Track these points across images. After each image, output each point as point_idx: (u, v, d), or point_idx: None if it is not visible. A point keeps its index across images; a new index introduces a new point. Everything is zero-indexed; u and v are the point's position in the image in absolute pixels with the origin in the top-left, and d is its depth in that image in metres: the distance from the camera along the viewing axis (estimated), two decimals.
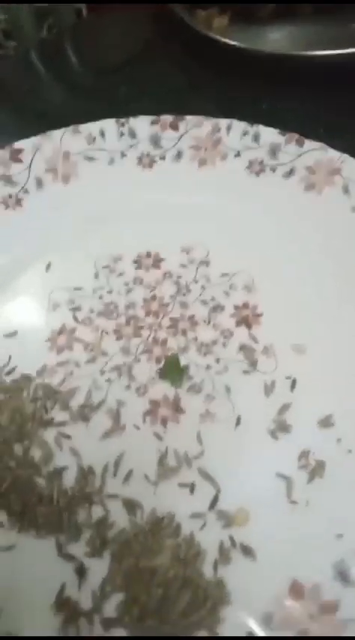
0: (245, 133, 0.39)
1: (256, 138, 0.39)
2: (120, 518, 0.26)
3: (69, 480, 0.27)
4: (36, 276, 0.36)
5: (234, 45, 0.48)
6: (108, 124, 0.41)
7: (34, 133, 0.41)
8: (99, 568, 0.24)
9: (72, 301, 0.35)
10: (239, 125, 0.40)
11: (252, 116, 0.40)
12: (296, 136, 0.38)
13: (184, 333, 0.32)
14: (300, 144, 0.38)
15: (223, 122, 0.40)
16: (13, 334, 0.33)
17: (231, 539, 0.25)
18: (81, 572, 0.24)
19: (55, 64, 0.56)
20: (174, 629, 0.22)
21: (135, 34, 0.59)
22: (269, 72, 0.46)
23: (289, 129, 0.39)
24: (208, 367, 0.31)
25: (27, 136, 0.41)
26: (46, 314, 0.34)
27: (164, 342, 0.32)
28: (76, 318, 0.34)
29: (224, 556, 0.24)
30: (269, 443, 0.28)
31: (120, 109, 0.42)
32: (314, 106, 0.44)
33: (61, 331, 0.33)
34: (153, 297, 0.34)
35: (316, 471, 0.27)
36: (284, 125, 0.39)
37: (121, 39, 0.59)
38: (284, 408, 0.29)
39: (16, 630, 0.22)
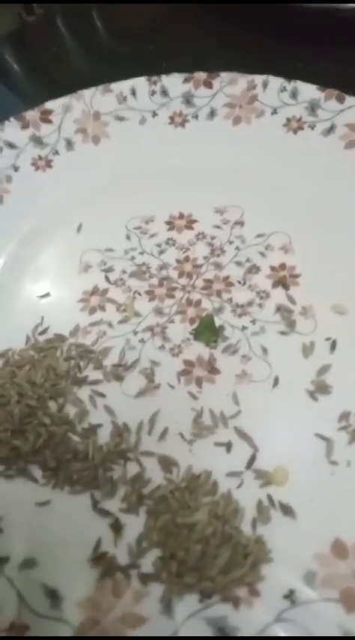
0: (282, 89, 0.38)
1: (294, 94, 0.38)
2: (156, 475, 0.25)
3: (104, 437, 0.27)
4: (67, 237, 0.35)
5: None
6: (140, 82, 0.40)
7: (64, 95, 0.40)
8: (135, 524, 0.24)
9: (104, 262, 0.34)
10: (276, 81, 0.38)
11: (288, 74, 0.39)
12: (335, 92, 0.37)
13: (219, 294, 0.32)
14: (340, 100, 0.36)
15: (259, 78, 0.39)
16: (45, 295, 0.33)
17: (270, 498, 0.24)
18: (117, 527, 0.24)
19: (80, 28, 0.55)
20: (214, 585, 0.21)
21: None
22: (304, 28, 0.44)
23: (327, 86, 0.37)
24: (244, 328, 0.30)
25: (56, 97, 0.40)
26: (78, 275, 0.34)
27: (198, 303, 0.31)
28: (108, 279, 0.33)
29: (263, 514, 0.24)
30: (308, 404, 0.27)
31: (150, 69, 0.41)
32: (352, 62, 0.42)
33: (93, 292, 0.33)
34: (187, 259, 0.33)
35: None
36: (321, 82, 0.38)
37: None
38: (324, 369, 0.28)
39: (52, 582, 0.22)
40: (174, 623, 0.21)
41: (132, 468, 0.26)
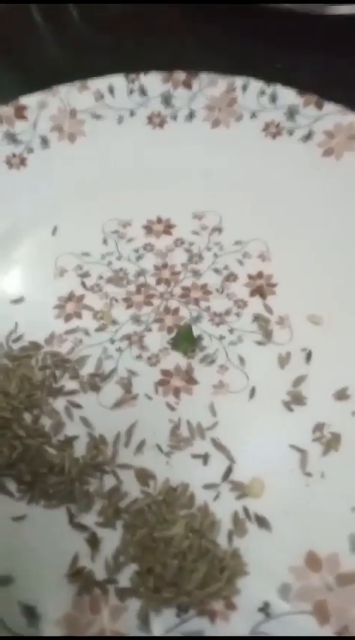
0: (262, 93, 0.38)
1: (273, 98, 0.37)
2: (132, 488, 0.25)
3: (80, 449, 0.27)
4: (42, 240, 0.35)
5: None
6: (118, 80, 0.39)
7: (39, 90, 0.39)
8: (112, 538, 0.24)
9: (80, 267, 0.33)
10: (256, 84, 0.38)
11: (266, 76, 0.38)
12: (315, 97, 0.37)
13: (197, 302, 0.32)
14: (319, 106, 0.37)
15: (239, 81, 0.38)
16: (19, 300, 0.32)
17: (246, 510, 0.25)
18: (93, 542, 0.24)
19: (55, 17, 0.53)
20: (191, 599, 0.22)
21: None
22: (284, 29, 0.44)
23: (306, 90, 0.37)
24: (221, 337, 0.30)
25: (31, 92, 0.38)
26: (53, 280, 0.33)
27: (176, 311, 0.31)
28: (84, 285, 0.33)
29: (239, 527, 0.24)
30: (283, 415, 0.27)
31: (127, 65, 0.40)
32: (332, 67, 0.42)
33: (68, 298, 0.32)
34: (165, 265, 0.33)
35: (331, 443, 0.26)
36: (300, 86, 0.37)
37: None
38: (300, 379, 0.28)
39: (30, 599, 0.22)
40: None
41: (109, 481, 0.26)
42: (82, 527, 0.24)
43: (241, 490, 0.25)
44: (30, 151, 0.38)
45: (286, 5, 0.43)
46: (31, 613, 0.22)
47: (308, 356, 0.29)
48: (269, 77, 0.38)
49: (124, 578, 0.23)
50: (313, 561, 0.23)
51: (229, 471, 0.26)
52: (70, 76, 0.39)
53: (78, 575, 0.23)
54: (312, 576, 0.22)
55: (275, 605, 0.22)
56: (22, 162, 0.38)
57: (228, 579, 0.22)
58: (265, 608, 0.22)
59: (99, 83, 0.39)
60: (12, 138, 0.38)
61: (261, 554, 0.23)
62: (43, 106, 0.38)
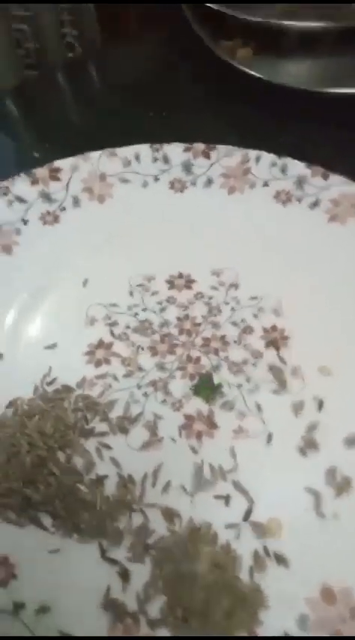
0: (273, 164, 0.42)
1: (283, 169, 0.42)
2: (159, 526, 0.27)
3: (110, 487, 0.29)
4: (74, 291, 0.38)
5: (257, 77, 0.50)
6: (143, 149, 0.43)
7: (64, 153, 0.43)
8: (141, 572, 0.26)
9: (108, 317, 0.36)
10: (267, 157, 0.42)
11: (275, 147, 0.43)
12: (321, 169, 0.41)
13: (216, 352, 0.34)
14: (325, 177, 0.41)
15: (252, 153, 0.42)
16: (52, 346, 0.35)
17: (265, 548, 0.27)
18: (124, 575, 0.26)
19: (80, 85, 0.59)
20: (217, 629, 0.23)
21: (158, 59, 0.62)
22: (292, 105, 0.49)
23: (313, 161, 0.42)
24: (239, 385, 0.33)
25: (60, 155, 0.43)
26: (84, 328, 0.36)
27: (197, 360, 0.34)
28: (112, 333, 0.35)
29: (259, 564, 0.26)
30: (298, 459, 0.30)
31: (150, 133, 0.45)
32: (338, 141, 0.47)
33: (98, 345, 0.35)
34: (186, 317, 0.36)
35: (343, 486, 0.28)
36: (306, 157, 0.42)
37: (144, 63, 0.61)
38: (312, 426, 0.31)
39: (66, 627, 0.24)
40: None
41: (137, 519, 0.28)
42: (113, 562, 0.26)
43: (261, 530, 0.27)
44: (63, 209, 0.42)
45: (293, 83, 0.49)
46: None
47: (320, 404, 0.32)
48: (280, 149, 0.43)
49: (154, 609, 0.25)
50: (328, 594, 0.25)
51: (249, 511, 0.28)
52: (95, 140, 0.44)
53: (111, 606, 0.25)
54: (328, 608, 0.24)
55: (295, 634, 0.24)
56: (56, 219, 0.41)
57: (251, 612, 0.24)
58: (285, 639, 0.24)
59: (126, 151, 0.43)
60: (46, 197, 0.41)
61: (279, 588, 0.25)
62: (76, 169, 0.42)
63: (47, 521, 0.28)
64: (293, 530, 0.27)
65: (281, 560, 0.26)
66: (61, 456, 0.30)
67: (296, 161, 0.42)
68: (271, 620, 0.24)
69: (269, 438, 0.30)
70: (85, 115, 0.56)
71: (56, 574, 0.26)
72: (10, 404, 0.32)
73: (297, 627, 0.24)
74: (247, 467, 0.29)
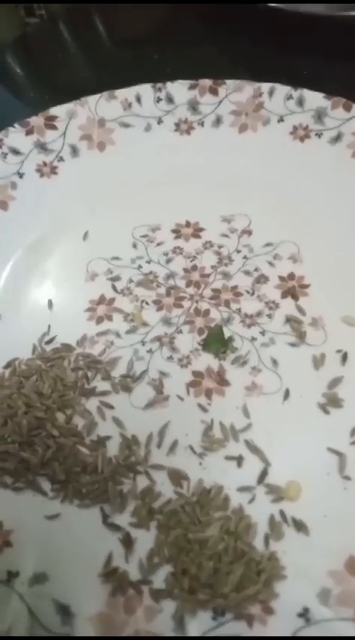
0: (288, 97, 0.38)
1: (300, 102, 0.38)
2: (166, 489, 0.25)
3: (113, 449, 0.27)
4: (73, 245, 0.35)
5: (269, 6, 0.45)
6: (145, 89, 0.40)
7: (68, 101, 0.39)
8: (146, 539, 0.24)
9: (110, 271, 0.34)
10: (282, 89, 0.38)
11: (290, 80, 0.38)
12: (342, 100, 0.37)
13: (227, 304, 0.31)
14: (347, 108, 0.36)
15: (265, 86, 0.38)
16: (51, 304, 0.33)
17: (282, 513, 0.24)
18: (127, 542, 0.24)
19: (83, 34, 0.55)
20: (228, 602, 0.21)
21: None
22: (307, 35, 0.44)
23: (331, 92, 0.37)
24: (253, 339, 0.30)
25: (60, 104, 0.39)
26: (85, 283, 0.33)
27: (206, 312, 0.31)
28: (114, 288, 0.33)
29: (275, 530, 0.23)
30: (319, 417, 0.27)
31: (154, 76, 0.41)
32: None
33: (100, 301, 0.32)
34: (194, 268, 0.33)
35: None
36: (326, 91, 0.37)
37: (147, 8, 0.56)
38: (335, 381, 0.28)
39: (63, 598, 0.22)
40: None
41: (142, 482, 0.25)
42: (115, 527, 0.24)
43: (277, 493, 0.25)
44: (60, 159, 0.39)
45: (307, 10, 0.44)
46: (65, 611, 0.22)
47: (344, 357, 0.28)
48: (296, 81, 0.38)
49: (159, 579, 0.23)
50: (353, 566, 0.22)
51: (264, 473, 0.25)
52: (97, 88, 0.40)
53: (112, 575, 0.23)
54: (353, 581, 0.22)
55: (315, 610, 0.21)
56: (53, 170, 0.38)
57: (265, 582, 0.22)
58: (305, 614, 0.21)
59: (126, 93, 0.40)
60: (42, 147, 0.39)
61: (298, 558, 0.23)
62: (73, 115, 0.39)
63: (46, 485, 0.26)
64: (314, 495, 0.24)
65: (300, 526, 0.24)
66: (60, 417, 0.28)
67: (314, 92, 0.37)
68: (288, 594, 0.22)
69: (287, 394, 0.28)
70: (87, 63, 0.52)
71: (54, 541, 0.24)
72: (8, 364, 0.30)
73: (318, 602, 0.21)
74: (262, 426, 0.27)
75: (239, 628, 0.21)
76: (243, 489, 0.25)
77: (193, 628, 0.21)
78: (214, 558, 0.22)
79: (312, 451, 0.26)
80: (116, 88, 0.40)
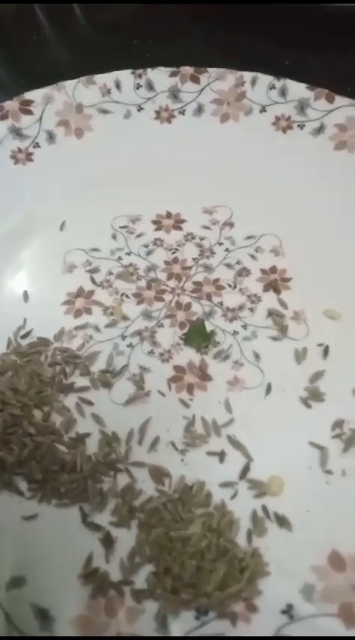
0: (271, 87, 0.37)
1: (283, 92, 0.37)
2: (147, 487, 0.25)
3: (92, 446, 0.26)
4: (50, 236, 0.34)
5: None
6: (124, 75, 0.38)
7: (44, 86, 0.38)
8: (127, 538, 0.23)
9: (89, 263, 0.33)
10: (264, 78, 0.37)
11: (273, 70, 0.38)
12: (325, 91, 0.36)
13: (209, 297, 0.31)
14: (330, 100, 0.36)
15: (248, 75, 0.38)
16: (27, 296, 0.31)
17: (265, 509, 0.24)
18: (108, 542, 0.23)
19: (60, 18, 0.53)
20: (211, 601, 0.21)
21: None
22: (291, 24, 0.43)
23: (316, 85, 0.37)
24: (235, 333, 0.29)
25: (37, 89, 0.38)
26: (62, 275, 0.32)
27: (188, 306, 0.31)
28: (93, 281, 0.32)
29: (258, 526, 0.23)
30: (301, 411, 0.27)
31: (134, 63, 0.39)
32: (343, 61, 0.42)
33: (78, 294, 0.31)
34: (175, 260, 0.33)
35: (352, 440, 0.25)
36: (310, 81, 0.37)
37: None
38: (317, 375, 0.28)
39: (42, 601, 0.21)
40: None
41: (123, 480, 0.25)
42: (95, 527, 0.24)
43: (260, 488, 0.24)
44: (36, 145, 0.37)
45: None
46: (43, 615, 0.21)
47: (326, 351, 0.28)
48: (279, 71, 0.38)
49: (140, 580, 0.22)
50: (337, 561, 0.22)
51: (246, 469, 0.25)
52: (76, 73, 0.39)
53: (92, 577, 0.22)
54: (336, 576, 0.22)
55: (299, 606, 0.21)
56: (29, 157, 0.37)
57: (248, 580, 0.21)
58: (288, 610, 0.21)
59: (105, 78, 0.38)
60: (17, 132, 0.37)
61: (282, 554, 0.22)
62: (49, 100, 0.38)
63: (22, 485, 0.25)
64: (296, 489, 0.24)
65: (283, 522, 0.23)
66: (37, 414, 0.27)
67: (297, 82, 0.37)
68: (272, 590, 0.21)
69: (269, 388, 0.27)
70: (64, 48, 0.50)
71: (32, 543, 0.23)
72: None
73: (302, 598, 0.21)
74: (244, 421, 0.26)
75: (222, 627, 0.21)
76: (225, 485, 0.25)
77: (176, 628, 0.21)
78: (197, 556, 0.22)
79: (294, 445, 0.26)
80: (95, 74, 0.38)
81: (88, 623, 0.21)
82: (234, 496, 0.24)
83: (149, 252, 0.33)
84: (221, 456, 0.25)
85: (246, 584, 0.21)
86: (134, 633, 0.21)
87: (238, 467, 0.25)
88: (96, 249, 0.33)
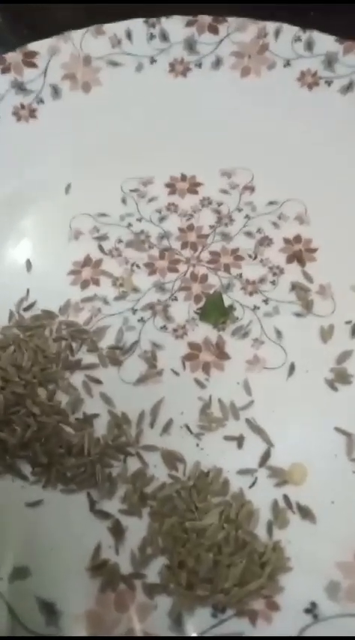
0: (296, 39, 0.34)
1: (309, 45, 0.34)
2: (159, 473, 0.23)
3: (100, 428, 0.24)
4: (54, 199, 0.32)
5: None
6: (136, 24, 0.36)
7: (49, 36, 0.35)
8: (138, 528, 0.22)
9: (96, 229, 0.31)
10: (289, 29, 0.35)
11: (298, 20, 0.35)
12: None
13: (227, 268, 0.29)
14: None
15: (271, 26, 0.35)
16: (30, 265, 0.29)
17: (286, 498, 0.22)
18: (117, 531, 0.22)
19: None
20: (229, 598, 0.19)
21: None
22: None
23: (343, 35, 0.34)
24: (255, 308, 0.27)
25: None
26: (68, 243, 0.30)
27: (204, 278, 0.29)
28: (101, 249, 0.30)
29: (280, 517, 0.22)
30: (327, 394, 0.25)
31: (148, 11, 0.36)
32: None
33: (84, 263, 0.29)
34: (190, 227, 0.30)
35: None
36: (335, 31, 0.34)
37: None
38: (344, 355, 0.26)
39: (47, 595, 0.20)
40: None
41: (133, 464, 0.23)
42: (104, 515, 0.22)
43: (281, 477, 0.23)
44: (40, 101, 0.35)
45: None
46: (49, 610, 0.20)
47: (354, 330, 0.26)
48: (305, 22, 0.34)
49: (153, 573, 0.21)
50: None
51: (267, 455, 0.23)
52: (83, 24, 0.36)
53: (101, 569, 0.21)
54: None
55: (324, 605, 0.20)
56: (32, 113, 0.35)
57: (269, 575, 0.20)
58: (312, 610, 0.20)
59: (115, 28, 0.36)
60: (20, 87, 0.35)
61: (304, 548, 0.21)
62: (54, 52, 0.35)
63: (26, 469, 0.23)
64: (320, 479, 0.23)
65: (306, 513, 0.22)
66: (41, 393, 0.25)
67: (324, 35, 0.34)
68: (294, 587, 0.20)
69: (292, 369, 0.25)
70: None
71: (36, 531, 0.22)
72: None
73: (327, 596, 0.20)
74: (264, 403, 0.25)
75: (241, 626, 0.19)
76: (243, 472, 0.23)
77: (191, 626, 0.19)
78: (213, 549, 0.20)
79: (319, 431, 0.24)
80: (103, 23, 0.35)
81: (97, 618, 0.20)
82: (253, 484, 0.23)
83: (162, 219, 0.31)
84: (239, 440, 0.24)
85: (266, 581, 0.20)
86: (146, 631, 0.19)
87: (258, 453, 0.23)
88: (104, 215, 0.31)
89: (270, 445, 0.24)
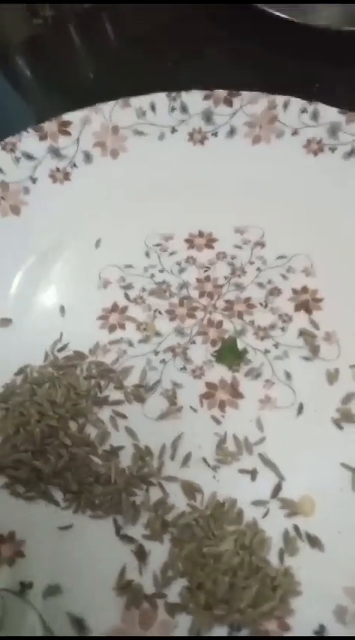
0: (303, 111, 0.38)
1: (315, 116, 0.38)
2: (179, 502, 0.25)
3: (126, 460, 0.26)
4: (86, 252, 0.35)
5: (283, 18, 0.45)
6: (159, 98, 0.39)
7: (80, 107, 0.39)
8: (160, 552, 0.24)
9: (123, 279, 0.34)
10: (296, 102, 0.38)
11: (305, 93, 0.38)
12: None
13: (240, 315, 0.31)
14: None
15: (280, 99, 0.38)
16: (64, 311, 0.32)
17: (296, 528, 0.24)
18: (141, 554, 0.24)
19: (92, 37, 0.54)
20: (244, 618, 0.21)
21: (173, 6, 0.57)
22: (320, 48, 0.44)
23: (346, 107, 0.37)
24: (266, 351, 0.30)
25: (73, 109, 0.39)
26: (97, 291, 0.33)
27: (219, 324, 0.31)
28: (127, 297, 0.33)
29: (290, 545, 0.23)
30: (333, 432, 0.27)
31: (166, 83, 0.41)
32: None
33: (112, 309, 0.32)
34: (207, 278, 0.33)
35: None
36: (339, 103, 0.38)
37: (155, 12, 0.56)
38: (349, 397, 0.28)
39: (78, 611, 0.22)
40: None
41: (155, 494, 0.25)
42: (129, 539, 0.24)
43: (291, 508, 0.25)
44: (73, 165, 0.38)
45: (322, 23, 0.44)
46: (80, 625, 0.22)
47: None
48: (310, 95, 0.38)
49: (174, 593, 0.22)
50: None
51: (278, 487, 0.25)
52: (109, 91, 0.40)
53: (126, 588, 0.23)
54: None
55: (332, 628, 0.21)
56: (66, 176, 0.38)
57: (280, 598, 0.22)
58: (321, 631, 0.21)
59: (141, 101, 0.40)
60: (56, 152, 0.38)
61: (313, 574, 0.23)
62: (86, 122, 0.39)
63: (58, 495, 0.25)
64: (328, 510, 0.24)
65: (314, 542, 0.24)
66: (72, 426, 0.28)
67: (328, 107, 0.37)
68: (304, 610, 0.22)
69: (300, 408, 0.28)
70: (99, 69, 0.52)
71: (67, 552, 0.24)
72: (20, 371, 0.30)
73: (335, 619, 0.21)
74: (276, 439, 0.27)
75: None
76: (257, 503, 0.25)
77: None
78: (229, 573, 0.22)
79: (326, 466, 0.26)
80: (126, 93, 0.40)
81: (123, 634, 0.21)
82: (265, 515, 0.25)
83: (181, 270, 0.34)
84: (253, 474, 0.26)
85: (278, 603, 0.21)
86: None
87: (270, 485, 0.25)
88: (130, 266, 0.34)
89: (281, 478, 0.26)
